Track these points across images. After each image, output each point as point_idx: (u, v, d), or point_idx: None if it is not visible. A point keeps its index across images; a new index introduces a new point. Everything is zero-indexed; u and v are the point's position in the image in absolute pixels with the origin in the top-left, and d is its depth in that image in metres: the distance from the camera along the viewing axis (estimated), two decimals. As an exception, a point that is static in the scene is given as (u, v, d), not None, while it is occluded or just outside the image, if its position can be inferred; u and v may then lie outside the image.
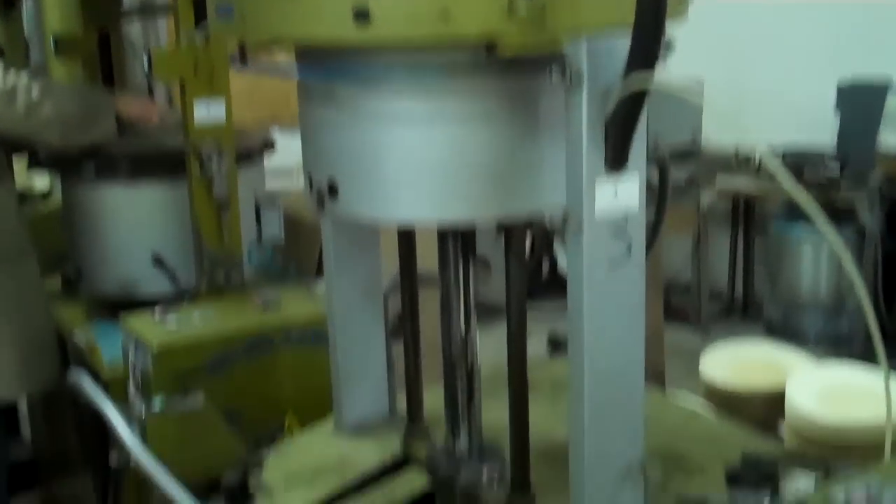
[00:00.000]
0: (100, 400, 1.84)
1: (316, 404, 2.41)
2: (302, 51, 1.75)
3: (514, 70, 1.56)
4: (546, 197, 1.63)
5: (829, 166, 5.06)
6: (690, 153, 5.72)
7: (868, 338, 5.00)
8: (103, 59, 3.54)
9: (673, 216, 4.47)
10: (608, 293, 1.55)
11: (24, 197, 3.86)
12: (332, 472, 2.13)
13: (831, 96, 5.35)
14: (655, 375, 3.56)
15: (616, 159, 1.49)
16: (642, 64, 1.39)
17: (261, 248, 2.94)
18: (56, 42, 3.60)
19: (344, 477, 2.10)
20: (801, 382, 2.73)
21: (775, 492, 1.77)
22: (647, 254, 1.64)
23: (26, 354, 2.89)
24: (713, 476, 1.92)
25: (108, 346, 2.85)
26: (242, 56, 1.80)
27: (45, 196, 4.03)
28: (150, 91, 4.59)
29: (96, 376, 2.86)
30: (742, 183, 5.44)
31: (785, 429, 2.62)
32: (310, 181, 1.80)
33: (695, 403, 2.49)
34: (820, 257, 5.25)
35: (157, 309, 2.66)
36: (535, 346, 2.46)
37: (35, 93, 2.69)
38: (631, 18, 1.39)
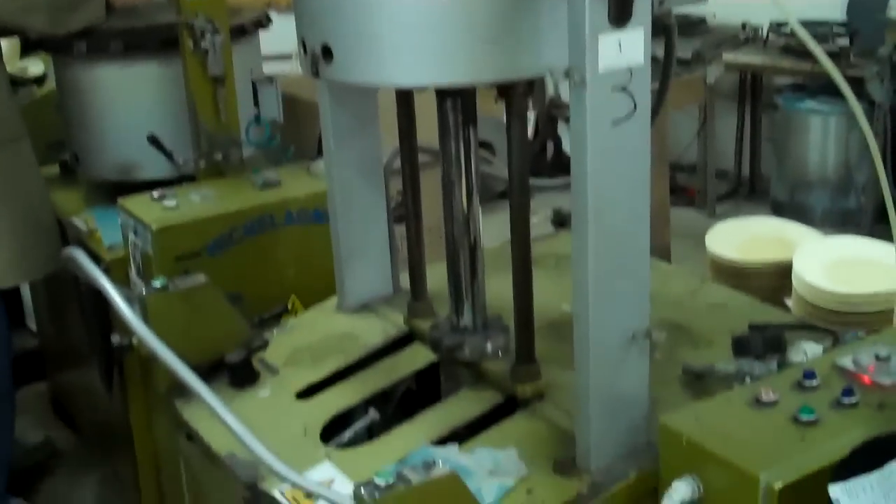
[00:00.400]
0: (98, 276, 1.80)
1: (318, 284, 2.38)
2: None
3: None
4: (549, 54, 1.56)
5: (837, 38, 4.96)
6: (697, 25, 5.61)
7: (875, 215, 5.01)
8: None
9: (679, 91, 4.40)
10: (612, 151, 1.51)
11: (18, 82, 3.80)
12: (336, 350, 2.12)
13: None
14: (661, 253, 3.53)
15: (620, 13, 1.43)
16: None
17: (259, 127, 2.88)
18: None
19: (348, 354, 2.10)
20: (809, 254, 2.69)
21: (783, 360, 1.75)
22: (652, 120, 1.59)
23: (25, 238, 2.86)
24: (720, 346, 1.90)
25: (109, 230, 2.81)
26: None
27: (40, 81, 3.96)
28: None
29: (97, 261, 2.84)
30: (750, 57, 5.34)
31: (793, 300, 2.60)
32: (303, 46, 1.74)
33: (701, 277, 2.46)
34: (828, 132, 5.17)
35: (157, 191, 2.61)
36: (540, 226, 2.43)
37: None
38: None
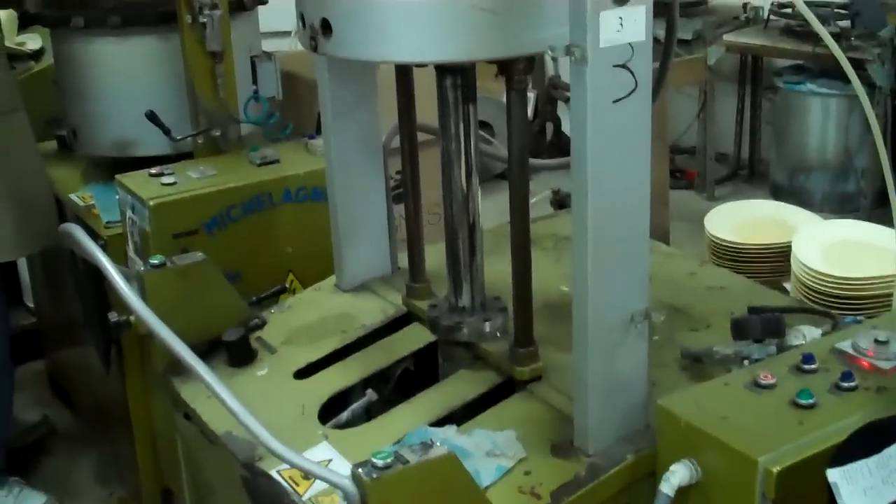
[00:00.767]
0: (95, 253, 1.79)
1: (317, 262, 2.38)
2: None
3: None
4: (549, 31, 1.54)
5: (838, 20, 4.93)
6: (698, 5, 5.58)
7: (874, 199, 4.97)
8: None
9: (679, 72, 4.37)
10: (613, 129, 1.49)
11: (15, 57, 3.77)
12: (334, 329, 2.12)
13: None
14: (660, 236, 3.52)
15: (621, -11, 1.41)
16: None
17: (258, 103, 2.86)
18: None
19: (346, 334, 2.09)
20: (808, 238, 2.69)
21: (781, 343, 1.74)
22: (653, 99, 1.57)
23: (20, 212, 2.84)
24: (719, 328, 1.89)
25: (107, 207, 2.80)
26: None
27: (37, 56, 3.93)
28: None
29: (95, 237, 2.82)
30: (750, 38, 5.31)
31: (791, 284, 2.60)
32: (302, 20, 1.72)
33: (700, 260, 2.46)
34: (828, 115, 5.15)
35: (155, 168, 2.60)
36: (539, 207, 2.42)
37: None
38: None
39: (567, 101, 1.72)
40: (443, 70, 1.81)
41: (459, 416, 1.77)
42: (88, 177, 3.11)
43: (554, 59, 3.90)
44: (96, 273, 2.00)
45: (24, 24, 3.24)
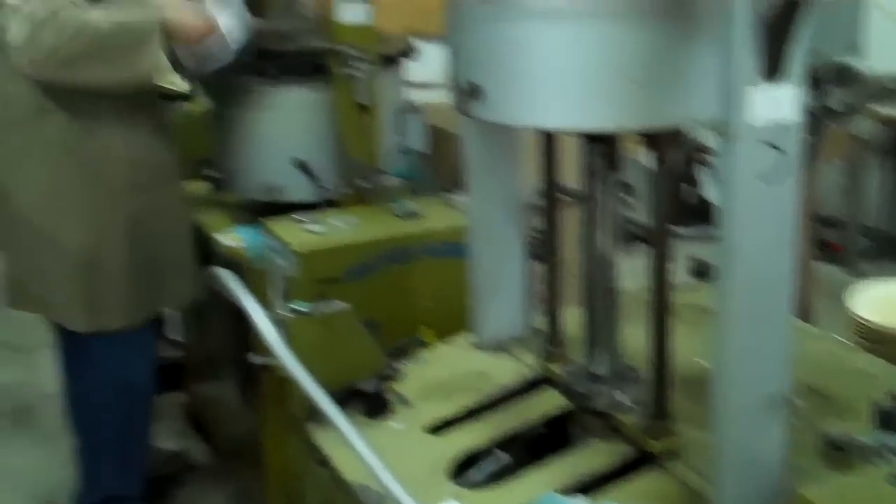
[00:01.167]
0: (243, 297, 1.85)
1: (453, 317, 2.39)
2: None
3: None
4: (698, 104, 1.54)
5: None
6: (849, 75, 5.45)
7: None
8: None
9: (828, 143, 4.27)
10: (760, 207, 1.48)
11: (169, 96, 3.90)
12: (468, 387, 2.13)
13: None
14: (803, 312, 3.44)
15: (773, 67, 1.41)
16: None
17: (403, 156, 2.92)
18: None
19: (480, 392, 2.10)
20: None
21: (927, 434, 1.69)
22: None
23: (165, 276, 2.95)
24: (860, 414, 1.84)
25: (253, 249, 2.87)
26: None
27: (190, 96, 4.06)
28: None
29: (241, 279, 2.91)
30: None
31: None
32: (453, 82, 1.75)
33: (842, 341, 2.39)
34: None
35: (301, 214, 2.67)
36: (676, 274, 2.39)
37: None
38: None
39: (709, 167, 1.70)
40: (588, 137, 1.82)
41: (589, 486, 1.75)
42: (237, 218, 3.20)
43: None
44: (241, 315, 2.06)
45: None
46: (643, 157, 1.78)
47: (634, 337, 1.95)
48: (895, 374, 2.09)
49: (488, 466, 1.86)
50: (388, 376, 2.19)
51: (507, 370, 2.15)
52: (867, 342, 2.68)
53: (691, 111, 1.56)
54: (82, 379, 2.98)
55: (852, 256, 5.45)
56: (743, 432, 1.56)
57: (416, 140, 3.02)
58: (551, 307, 2.10)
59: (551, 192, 2.05)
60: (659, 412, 1.79)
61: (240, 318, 2.10)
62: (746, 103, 1.42)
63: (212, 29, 2.75)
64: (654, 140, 1.71)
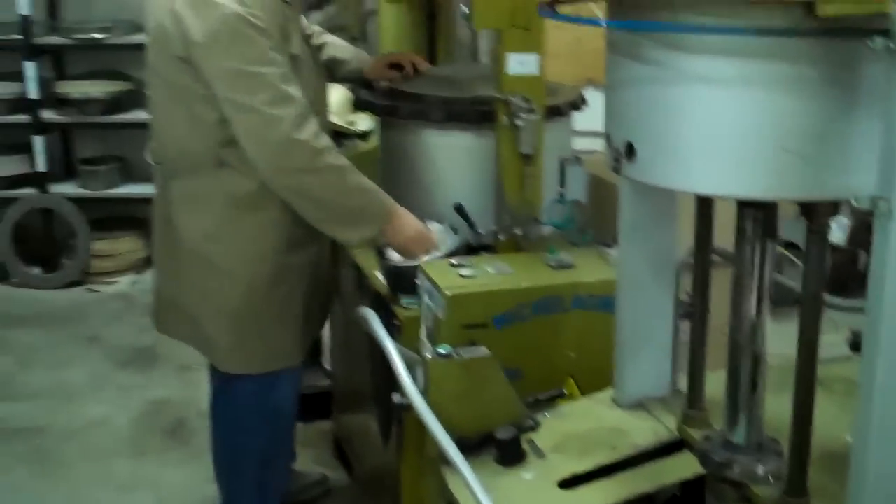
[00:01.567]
0: (384, 339, 1.88)
1: (598, 371, 2.37)
2: (612, 1, 1.70)
3: (832, 33, 1.44)
4: (856, 177, 1.50)
5: None
6: None
7: None
8: (428, 4, 3.60)
9: None
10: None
11: (345, 135, 4.03)
12: (604, 443, 2.10)
13: None
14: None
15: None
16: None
17: (561, 206, 2.91)
18: (386, -16, 3.72)
19: (616, 450, 2.07)
20: None
21: None
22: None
23: (310, 324, 3.04)
24: None
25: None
26: (551, 4, 1.78)
27: (365, 136, 4.18)
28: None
29: (393, 317, 2.95)
30: None
31: None
32: (608, 140, 1.75)
33: None
34: None
35: (456, 258, 2.70)
36: (840, 346, 2.32)
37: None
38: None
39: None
40: (744, 203, 1.79)
41: (719, 557, 1.70)
42: (395, 257, 3.25)
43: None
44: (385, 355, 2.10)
45: (357, 107, 3.46)
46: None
47: (779, 407, 1.89)
48: None
49: (616, 526, 1.83)
50: (526, 426, 2.18)
51: (644, 430, 2.11)
52: None
53: (850, 184, 1.52)
54: (229, 403, 3.09)
55: None
56: (881, 516, 1.49)
57: (578, 190, 3.00)
58: (695, 370, 2.06)
59: (705, 252, 2.02)
60: (796, 488, 1.73)
61: (384, 358, 2.13)
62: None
63: (427, 253, 2.87)
64: (809, 207, 1.66)
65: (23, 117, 5.98)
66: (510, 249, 2.84)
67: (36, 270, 6.16)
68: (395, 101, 3.14)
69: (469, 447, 2.11)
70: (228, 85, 2.69)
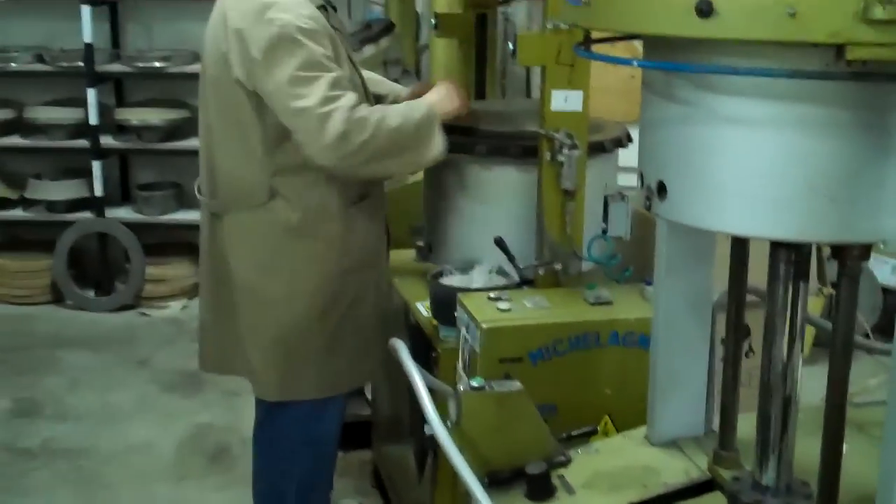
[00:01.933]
0: (412, 372, 1.89)
1: (634, 409, 2.36)
2: (648, 41, 1.71)
3: (862, 77, 1.44)
4: (887, 221, 1.49)
5: None
6: None
7: None
8: (479, 40, 3.64)
9: None
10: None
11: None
12: (635, 481, 2.09)
13: None
14: None
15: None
16: None
17: (603, 243, 2.91)
18: (437, 20, 3.75)
19: (646, 488, 2.06)
20: None
21: None
22: None
23: (361, 355, 3.06)
24: None
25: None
26: (587, 43, 1.79)
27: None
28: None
29: (432, 349, 2.97)
30: None
31: None
32: (641, 178, 1.76)
33: None
34: None
35: (495, 291, 2.71)
36: (880, 391, 2.29)
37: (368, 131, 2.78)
38: None
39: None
40: (776, 243, 1.78)
41: None
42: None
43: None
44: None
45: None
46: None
47: (812, 451, 1.87)
48: None
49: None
50: (557, 462, 2.18)
51: (676, 469, 2.10)
52: None
53: (880, 227, 1.52)
54: (274, 429, 3.10)
55: None
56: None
57: (621, 227, 2.99)
58: (728, 409, 2.05)
59: (739, 292, 2.01)
60: (824, 532, 1.71)
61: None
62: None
63: (468, 105, 3.01)
64: (841, 250, 1.65)
65: (83, 142, 6.09)
66: (550, 284, 2.84)
67: (90, 293, 6.26)
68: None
69: (500, 481, 2.11)
70: (286, 92, 2.72)
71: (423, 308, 3.12)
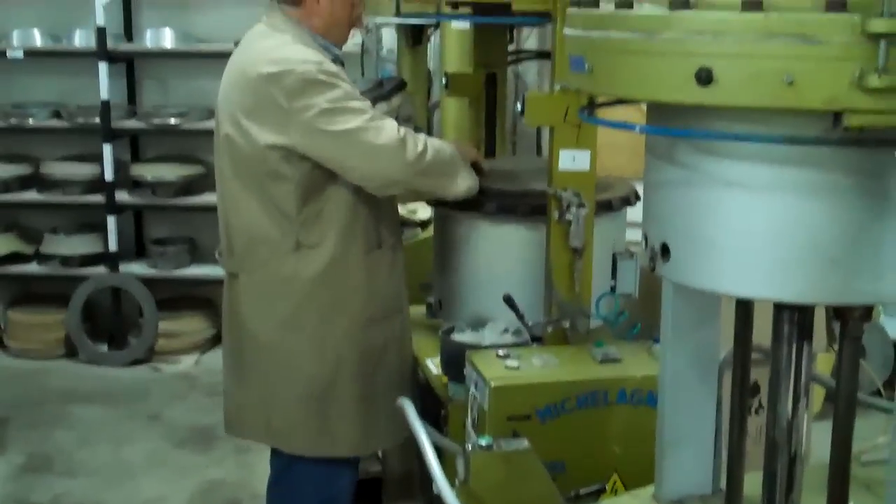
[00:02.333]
0: (419, 431, 1.91)
1: (642, 467, 2.36)
2: (650, 106, 1.74)
3: (859, 143, 1.47)
4: (887, 284, 1.51)
5: None
6: None
7: None
8: (489, 98, 3.69)
9: None
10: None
11: (406, 223, 4.10)
12: (642, 540, 2.09)
13: None
14: None
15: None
16: None
17: (611, 300, 2.93)
18: (448, 80, 3.80)
19: (653, 547, 2.06)
20: None
21: None
22: None
23: (379, 410, 3.05)
24: None
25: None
26: (591, 107, 1.82)
27: (425, 224, 4.25)
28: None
29: (442, 406, 2.98)
30: None
31: None
32: (645, 239, 1.78)
33: None
34: None
35: (502, 349, 2.73)
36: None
37: (420, 144, 2.86)
38: None
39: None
40: (779, 304, 1.79)
41: None
42: (445, 346, 3.28)
43: None
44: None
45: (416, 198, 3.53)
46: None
47: (818, 510, 1.87)
48: None
49: None
50: (566, 520, 2.18)
51: (683, 529, 2.10)
52: None
53: (880, 290, 1.53)
54: (288, 486, 3.11)
55: None
56: None
57: (629, 284, 3.01)
58: (734, 468, 2.05)
59: (744, 351, 2.02)
60: None
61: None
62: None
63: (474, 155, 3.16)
64: (843, 311, 1.67)
65: (98, 198, 6.16)
66: (558, 341, 2.86)
67: (103, 347, 6.29)
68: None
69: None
70: (324, 124, 2.76)
71: (433, 365, 3.13)
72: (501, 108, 3.74)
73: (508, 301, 2.90)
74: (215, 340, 6.10)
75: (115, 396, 5.65)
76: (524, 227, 3.02)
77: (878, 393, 3.82)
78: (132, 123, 6.24)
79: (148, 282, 6.24)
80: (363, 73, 4.79)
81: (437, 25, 4.17)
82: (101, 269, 6.26)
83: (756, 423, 2.47)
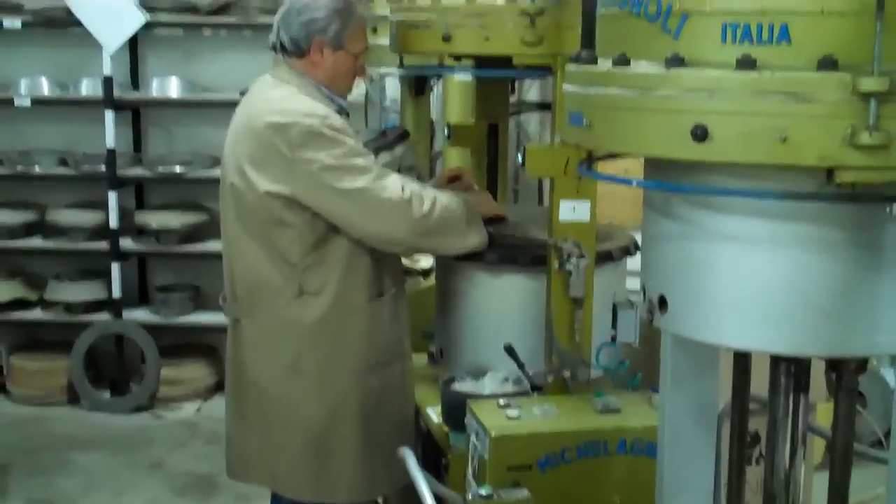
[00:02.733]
0: (419, 481, 1.92)
1: (644, 517, 2.37)
2: (647, 160, 1.77)
3: (852, 198, 1.50)
4: (881, 336, 1.53)
5: None
6: None
7: None
8: (491, 148, 3.72)
9: None
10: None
11: (408, 272, 4.11)
12: (641, 592, 2.10)
13: None
14: None
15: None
16: None
17: (612, 350, 2.94)
18: (450, 131, 3.85)
19: None
20: None
21: None
22: None
23: (378, 458, 3.06)
24: None
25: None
26: (589, 161, 1.85)
27: (427, 273, 4.26)
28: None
29: (443, 455, 2.98)
30: None
31: None
32: (644, 291, 1.80)
33: None
34: None
35: (503, 399, 2.73)
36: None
37: (426, 204, 2.88)
38: None
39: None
40: (776, 356, 1.81)
41: None
42: (446, 394, 3.29)
43: None
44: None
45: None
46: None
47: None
48: None
49: None
50: (565, 571, 2.18)
51: (682, 580, 2.10)
52: None
53: (875, 343, 1.56)
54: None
55: None
56: None
57: (630, 333, 3.01)
58: (733, 519, 2.06)
59: (742, 401, 2.04)
60: None
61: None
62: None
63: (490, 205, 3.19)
64: (838, 364, 1.69)
65: (103, 245, 6.19)
66: (558, 391, 2.86)
67: (105, 394, 6.29)
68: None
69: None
70: (329, 179, 2.79)
71: (434, 413, 3.14)
72: (503, 157, 3.77)
73: (509, 350, 2.91)
74: (217, 388, 6.11)
75: (117, 443, 5.65)
76: (525, 277, 3.04)
77: (879, 443, 3.83)
78: (137, 171, 6.29)
79: (151, 329, 6.26)
80: (367, 123, 4.84)
81: (440, 76, 4.22)
82: (104, 316, 6.29)
83: (757, 474, 2.46)
